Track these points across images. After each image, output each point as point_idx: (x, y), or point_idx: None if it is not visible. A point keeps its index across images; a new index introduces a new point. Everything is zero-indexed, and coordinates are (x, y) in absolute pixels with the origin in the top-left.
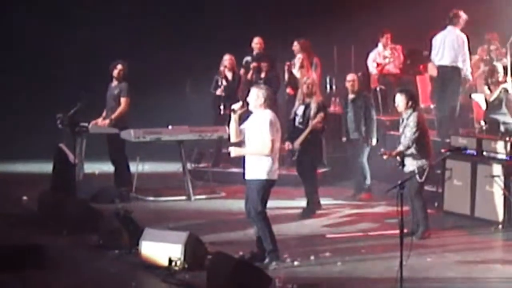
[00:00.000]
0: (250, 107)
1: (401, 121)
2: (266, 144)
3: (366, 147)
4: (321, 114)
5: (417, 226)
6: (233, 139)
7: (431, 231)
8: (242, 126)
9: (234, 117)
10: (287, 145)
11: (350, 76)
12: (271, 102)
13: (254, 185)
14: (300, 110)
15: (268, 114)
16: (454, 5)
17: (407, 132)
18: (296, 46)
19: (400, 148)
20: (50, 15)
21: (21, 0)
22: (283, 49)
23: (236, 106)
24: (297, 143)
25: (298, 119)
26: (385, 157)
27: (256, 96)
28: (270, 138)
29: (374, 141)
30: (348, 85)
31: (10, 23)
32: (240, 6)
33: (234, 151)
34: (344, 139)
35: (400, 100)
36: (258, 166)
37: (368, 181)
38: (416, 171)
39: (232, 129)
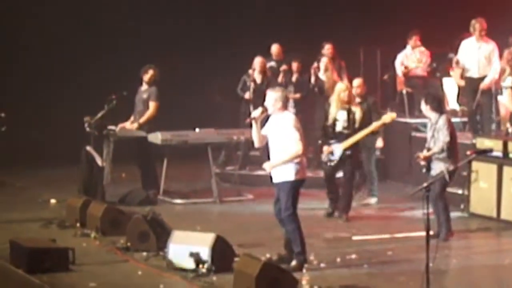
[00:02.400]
0: (270, 111)
1: (429, 125)
2: (298, 145)
3: (373, 153)
4: (386, 117)
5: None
6: (257, 145)
7: (454, 232)
8: (264, 131)
9: (256, 125)
10: (327, 149)
11: (357, 82)
12: (288, 102)
13: (284, 187)
14: (341, 115)
15: (290, 115)
16: (479, 7)
17: (440, 135)
18: (329, 49)
19: (435, 150)
20: (80, 20)
21: (50, 4)
22: (309, 52)
23: (256, 113)
24: (344, 146)
25: (341, 124)
26: (422, 162)
27: (274, 100)
28: (299, 138)
29: (378, 144)
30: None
31: (40, 28)
32: (266, 9)
33: (269, 167)
34: None
35: (422, 105)
36: (285, 168)
37: (375, 187)
38: (445, 172)
39: (255, 136)
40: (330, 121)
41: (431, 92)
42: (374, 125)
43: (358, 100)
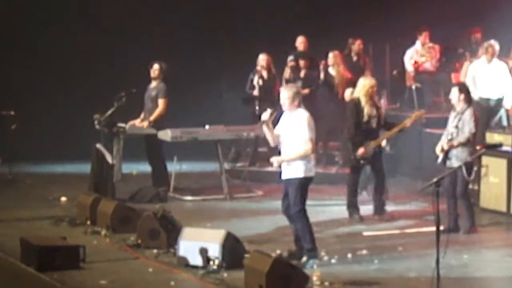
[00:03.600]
0: (284, 109)
1: (453, 114)
2: (307, 145)
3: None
4: (422, 111)
5: (454, 222)
6: (272, 144)
7: (478, 228)
8: (277, 130)
9: (267, 127)
10: (367, 146)
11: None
12: (301, 99)
13: (292, 184)
14: (374, 112)
15: (303, 113)
16: (488, 2)
17: (466, 126)
18: (359, 44)
19: (461, 139)
20: (89, 17)
21: (59, 3)
22: (319, 47)
23: (265, 116)
24: (378, 142)
25: (376, 121)
26: (440, 153)
27: (289, 98)
28: (310, 137)
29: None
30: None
31: (48, 26)
32: (276, 5)
33: (276, 161)
34: None
35: (454, 93)
36: (295, 165)
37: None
38: (463, 168)
39: (269, 137)
40: (365, 117)
41: (463, 83)
42: (408, 121)
43: None
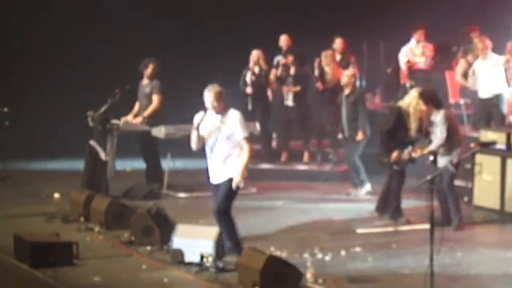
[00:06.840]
0: (212, 111)
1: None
2: (248, 144)
3: (358, 144)
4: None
5: (446, 218)
6: (194, 148)
7: (465, 224)
8: (202, 132)
9: (196, 131)
10: (396, 155)
11: (347, 72)
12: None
13: (227, 183)
14: (417, 125)
15: (234, 113)
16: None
17: (438, 131)
18: (339, 43)
19: (432, 147)
20: (82, 13)
21: (53, 1)
22: (313, 45)
23: (199, 119)
24: (418, 154)
25: (416, 133)
26: (414, 154)
27: (212, 99)
28: (248, 136)
29: (359, 136)
30: (343, 81)
31: (43, 23)
32: (270, 3)
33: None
34: (340, 136)
35: (423, 106)
36: (230, 166)
37: (362, 177)
38: (449, 164)
39: (195, 140)
40: (413, 133)
41: (424, 90)
42: None
43: (347, 91)
